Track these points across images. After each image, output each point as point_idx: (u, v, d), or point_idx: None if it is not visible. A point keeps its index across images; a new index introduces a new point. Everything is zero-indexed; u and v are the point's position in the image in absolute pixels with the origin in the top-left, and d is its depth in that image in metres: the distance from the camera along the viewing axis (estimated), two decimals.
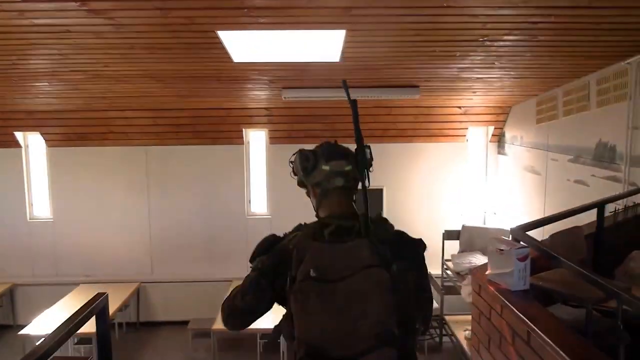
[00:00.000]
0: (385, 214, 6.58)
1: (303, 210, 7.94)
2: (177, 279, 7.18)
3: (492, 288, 2.61)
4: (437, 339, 6.54)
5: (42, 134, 6.94)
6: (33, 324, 5.73)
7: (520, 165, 6.28)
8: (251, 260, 1.95)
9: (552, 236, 3.06)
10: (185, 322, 6.83)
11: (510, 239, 2.76)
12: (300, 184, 1.96)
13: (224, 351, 5.88)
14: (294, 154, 1.92)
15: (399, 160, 7.11)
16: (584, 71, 4.49)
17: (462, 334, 6.08)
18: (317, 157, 1.84)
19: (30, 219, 7.26)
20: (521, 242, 2.63)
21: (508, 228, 6.40)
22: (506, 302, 2.41)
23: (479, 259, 6.01)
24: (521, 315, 2.24)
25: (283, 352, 5.54)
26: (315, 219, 1.91)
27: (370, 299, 1.61)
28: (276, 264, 1.81)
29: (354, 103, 1.76)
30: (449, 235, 6.55)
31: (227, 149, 7.13)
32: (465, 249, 6.41)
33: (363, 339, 1.58)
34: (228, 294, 1.95)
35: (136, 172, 7.13)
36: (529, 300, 2.39)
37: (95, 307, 1.47)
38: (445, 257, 6.60)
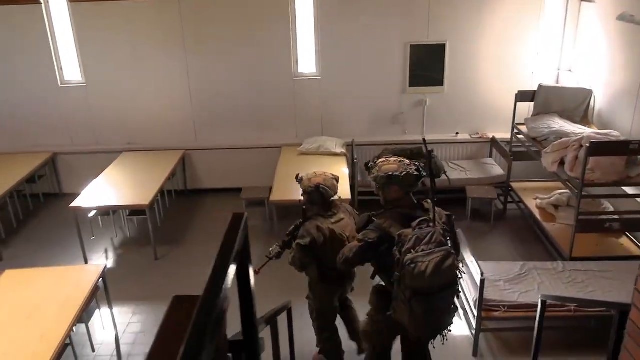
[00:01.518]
0: (447, 73, 5.96)
1: (353, 72, 7.19)
2: (222, 146, 6.81)
3: None
4: (502, 206, 6.23)
5: None
6: (83, 196, 5.51)
7: (613, 12, 5.39)
8: (358, 231, 3.14)
9: None
10: (234, 190, 6.61)
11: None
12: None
13: (280, 219, 5.67)
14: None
15: (464, 10, 6.24)
16: None
17: (533, 202, 5.75)
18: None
19: (61, 84, 6.74)
20: None
21: (589, 87, 5.79)
22: None
23: (559, 123, 5.44)
24: None
25: None
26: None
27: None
28: (380, 237, 2.95)
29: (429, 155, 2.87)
30: (522, 96, 5.93)
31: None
32: (540, 112, 5.82)
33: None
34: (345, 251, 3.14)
35: (170, 27, 6.40)
36: None
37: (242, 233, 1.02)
38: (516, 121, 6.04)
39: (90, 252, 5.66)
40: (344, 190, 4.72)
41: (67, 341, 3.53)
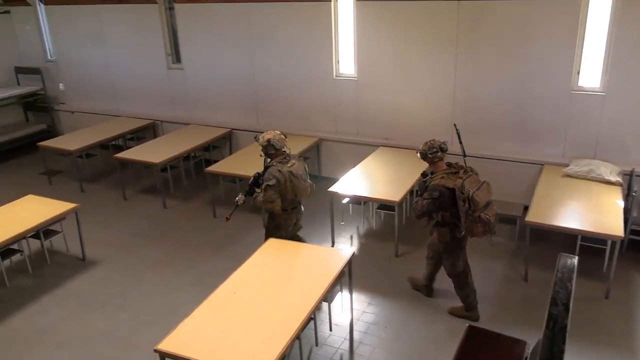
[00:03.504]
0: None
1: None
2: (477, 153, 6.50)
3: None
4: None
5: None
6: (340, 182, 5.86)
7: None
8: (421, 194, 4.39)
9: None
10: None
11: None
12: None
13: (532, 242, 5.18)
14: None
15: None
16: None
17: None
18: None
19: (335, 76, 7.28)
20: None
21: None
22: None
23: None
24: None
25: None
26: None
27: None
28: (440, 192, 4.14)
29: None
30: None
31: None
32: None
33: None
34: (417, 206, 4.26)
35: (445, 30, 6.35)
36: None
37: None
38: None
39: (337, 236, 6.01)
40: (615, 226, 4.69)
41: (312, 315, 3.77)
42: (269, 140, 4.60)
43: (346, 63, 7.24)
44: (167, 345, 3.25)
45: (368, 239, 6.08)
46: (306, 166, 4.84)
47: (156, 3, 8.19)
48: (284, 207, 4.65)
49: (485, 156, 6.44)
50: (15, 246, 5.25)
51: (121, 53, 8.93)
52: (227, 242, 6.06)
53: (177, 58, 8.52)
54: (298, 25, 7.23)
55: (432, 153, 4.35)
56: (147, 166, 7.32)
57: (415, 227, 6.17)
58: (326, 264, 4.16)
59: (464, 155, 4.50)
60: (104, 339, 4.55)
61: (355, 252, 5.61)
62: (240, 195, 4.67)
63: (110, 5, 8.58)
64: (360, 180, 5.97)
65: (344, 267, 4.15)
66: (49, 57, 9.87)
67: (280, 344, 3.20)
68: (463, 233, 4.24)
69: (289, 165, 4.59)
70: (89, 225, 6.12)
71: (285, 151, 4.69)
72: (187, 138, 7.72)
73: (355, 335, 4.45)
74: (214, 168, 6.58)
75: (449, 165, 4.33)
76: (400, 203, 5.50)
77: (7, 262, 5.29)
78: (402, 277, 5.22)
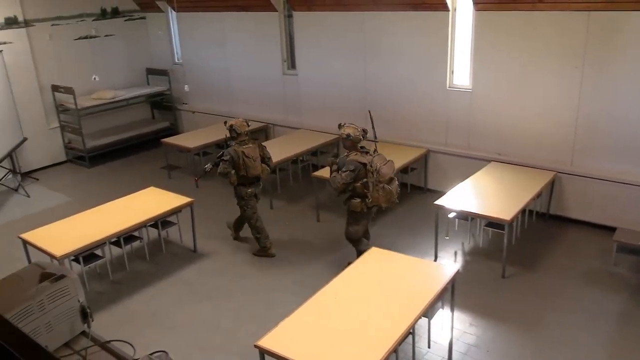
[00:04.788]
0: None
1: None
2: (602, 176, 6.04)
3: None
4: None
5: None
6: (447, 196, 5.70)
7: None
8: (339, 169, 5.19)
9: None
10: (605, 227, 5.83)
11: None
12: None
13: None
14: None
15: None
16: None
17: None
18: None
19: (449, 87, 7.10)
20: None
21: None
22: None
23: None
24: None
25: None
26: None
27: None
28: (358, 167, 5.00)
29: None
30: None
31: None
32: None
33: None
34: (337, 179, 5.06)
35: (572, 42, 5.95)
36: None
37: None
38: None
39: (440, 251, 5.85)
40: None
41: (411, 330, 3.68)
42: (231, 126, 5.75)
43: (461, 74, 7.05)
44: (267, 342, 3.33)
45: (473, 257, 5.85)
46: (267, 152, 5.92)
47: (277, 11, 8.51)
48: (241, 181, 5.74)
49: (611, 179, 5.95)
50: (136, 233, 5.69)
51: (240, 58, 9.38)
52: (329, 247, 6.12)
53: (292, 64, 8.79)
54: (412, 34, 7.15)
55: (363, 137, 5.19)
56: None
57: (527, 248, 5.85)
58: (429, 278, 4.05)
59: (375, 141, 5.41)
60: (209, 328, 4.78)
61: (460, 269, 5.43)
62: (209, 164, 5.77)
63: (234, 12, 9.05)
64: (469, 195, 5.75)
65: (447, 284, 4.02)
66: (176, 60, 10.62)
67: (377, 356, 3.16)
68: (370, 201, 5.09)
69: (244, 147, 5.65)
70: (201, 219, 6.47)
71: (243, 135, 5.75)
72: (296, 142, 7.92)
73: (454, 356, 4.28)
74: (320, 173, 6.68)
75: (362, 147, 5.17)
76: (511, 222, 5.22)
77: (128, 247, 5.73)
78: (509, 300, 4.96)
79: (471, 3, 6.53)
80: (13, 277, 2.45)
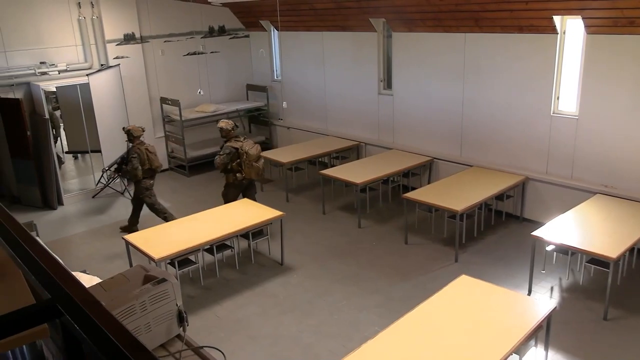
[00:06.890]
0: None
1: None
2: None
3: None
4: None
5: (583, 18, 6.06)
6: (546, 227, 5.39)
7: None
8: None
9: None
10: None
11: None
12: None
13: None
14: None
15: None
16: None
17: None
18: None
19: (553, 113, 6.76)
20: None
21: None
22: None
23: None
24: None
25: None
26: None
27: None
28: (232, 151, 6.78)
29: None
30: None
31: None
32: None
33: None
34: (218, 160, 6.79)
35: None
36: None
37: None
38: None
39: (535, 285, 5.53)
40: None
41: None
42: (129, 131, 6.99)
43: (567, 100, 6.68)
44: None
45: (571, 294, 5.47)
46: (156, 151, 7.21)
47: (376, 31, 8.57)
48: (144, 175, 6.94)
49: None
50: (228, 242, 5.90)
51: (337, 76, 9.53)
52: (416, 270, 6.00)
53: (388, 84, 8.79)
54: (516, 57, 6.90)
55: (233, 129, 6.85)
56: (347, 185, 7.66)
57: (634, 290, 5.39)
58: (522, 313, 3.85)
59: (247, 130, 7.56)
60: (291, 341, 4.83)
61: (556, 305, 5.11)
62: (114, 166, 7.67)
63: (334, 32, 9.24)
64: (571, 228, 5.40)
65: (542, 320, 3.79)
66: (275, 77, 10.99)
67: None
68: (243, 175, 6.73)
69: (145, 145, 7.01)
70: (290, 233, 6.59)
71: (140, 138, 7.03)
72: (388, 162, 7.88)
73: None
74: (412, 195, 6.59)
75: (237, 137, 6.83)
76: (618, 260, 4.84)
77: (219, 255, 5.96)
78: (610, 345, 4.58)
79: (582, 25, 6.20)
80: (120, 276, 2.62)
